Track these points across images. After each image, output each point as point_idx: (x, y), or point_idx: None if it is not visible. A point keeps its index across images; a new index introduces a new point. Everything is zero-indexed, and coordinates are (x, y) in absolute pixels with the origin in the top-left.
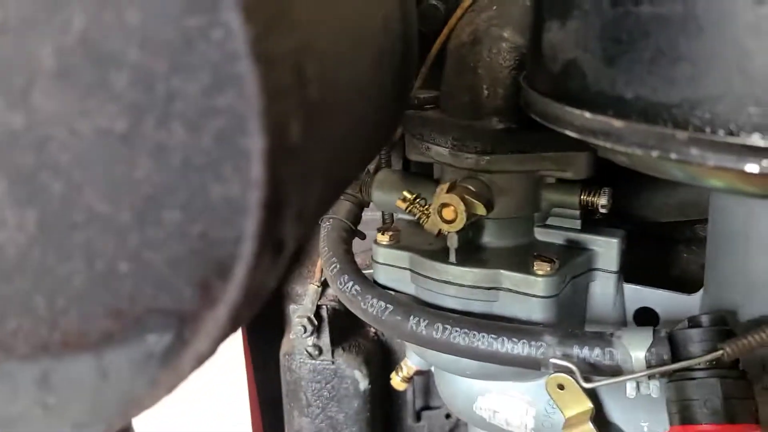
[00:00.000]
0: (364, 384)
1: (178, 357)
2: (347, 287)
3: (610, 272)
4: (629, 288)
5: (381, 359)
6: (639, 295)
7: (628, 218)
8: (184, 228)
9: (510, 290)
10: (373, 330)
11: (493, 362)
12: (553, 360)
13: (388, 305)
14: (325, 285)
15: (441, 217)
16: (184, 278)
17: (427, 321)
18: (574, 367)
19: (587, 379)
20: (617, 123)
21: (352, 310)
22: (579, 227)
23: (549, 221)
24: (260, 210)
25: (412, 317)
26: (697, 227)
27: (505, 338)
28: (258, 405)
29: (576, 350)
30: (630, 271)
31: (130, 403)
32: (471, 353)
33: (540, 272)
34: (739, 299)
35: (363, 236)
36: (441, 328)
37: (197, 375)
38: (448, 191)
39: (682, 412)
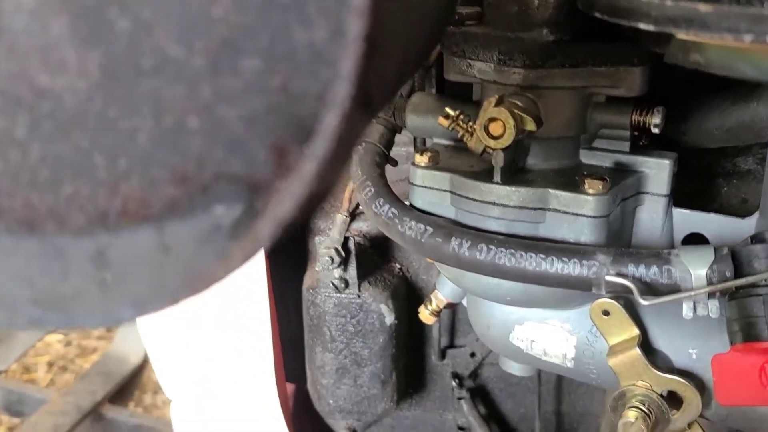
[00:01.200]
0: (390, 319)
1: (249, 229)
2: (383, 210)
3: (660, 195)
4: (678, 212)
5: (407, 295)
6: (688, 220)
7: (675, 146)
8: (262, 79)
9: (558, 210)
10: (399, 266)
11: (542, 284)
12: (608, 277)
13: (427, 227)
14: (352, 216)
15: (488, 132)
16: (259, 139)
17: (470, 242)
18: (631, 284)
19: (643, 293)
20: (704, 7)
21: (389, 235)
22: (627, 149)
23: (596, 143)
24: (360, 44)
25: (453, 238)
26: (739, 160)
27: (554, 258)
28: (279, 343)
29: (631, 269)
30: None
31: (196, 278)
32: (518, 275)
33: (591, 191)
34: None
35: (395, 162)
36: (485, 248)
37: (219, 311)
38: (497, 105)
39: (746, 330)
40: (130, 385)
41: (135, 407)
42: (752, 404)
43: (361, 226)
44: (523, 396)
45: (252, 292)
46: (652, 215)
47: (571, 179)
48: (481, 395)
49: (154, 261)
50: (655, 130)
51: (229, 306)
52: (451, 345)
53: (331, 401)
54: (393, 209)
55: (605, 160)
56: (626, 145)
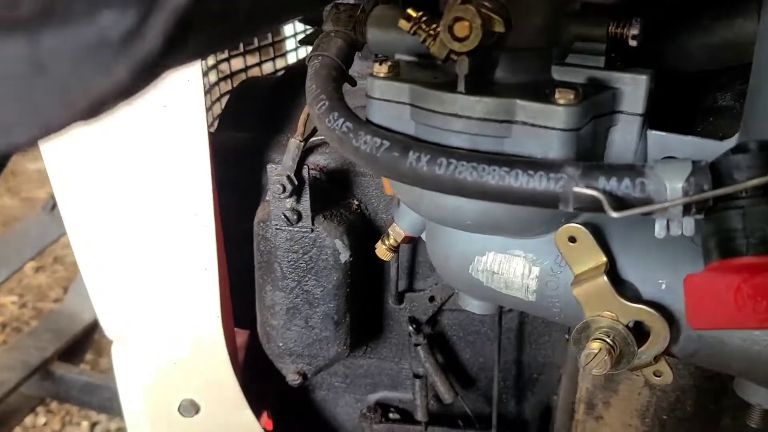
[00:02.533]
0: (345, 255)
1: (142, 42)
2: (337, 125)
3: (635, 115)
4: (654, 135)
5: (365, 233)
6: (664, 143)
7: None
8: None
9: (525, 123)
10: (357, 202)
11: (506, 201)
12: (576, 189)
13: (383, 141)
14: (308, 145)
15: (452, 34)
16: None
17: (429, 156)
18: (601, 196)
19: (615, 208)
20: None
21: (342, 151)
22: (602, 65)
23: (569, 59)
24: None
25: (411, 152)
26: (718, 96)
27: (519, 171)
28: (228, 285)
29: (602, 182)
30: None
31: (74, 103)
32: (480, 191)
33: (562, 101)
34: None
35: (354, 82)
36: (445, 163)
37: (162, 246)
38: (463, 2)
39: (723, 246)
40: (83, 344)
41: (91, 370)
42: (726, 327)
43: (318, 159)
44: (483, 345)
45: (197, 227)
46: (625, 137)
47: (541, 92)
48: (439, 343)
49: (24, 80)
50: (633, 43)
51: (173, 241)
52: (410, 288)
53: (281, 344)
54: (348, 123)
55: (579, 76)
56: (601, 61)
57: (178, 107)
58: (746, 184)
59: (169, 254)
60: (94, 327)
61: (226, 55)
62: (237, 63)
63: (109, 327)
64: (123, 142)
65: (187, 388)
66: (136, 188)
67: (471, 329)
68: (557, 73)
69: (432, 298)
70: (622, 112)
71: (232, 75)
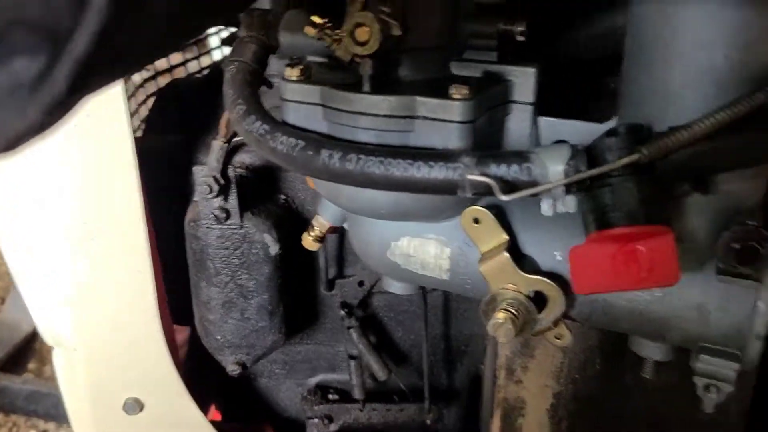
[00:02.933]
0: (274, 249)
1: (51, 85)
2: (255, 127)
3: (526, 104)
4: (544, 121)
5: (293, 226)
6: (555, 128)
7: (552, 62)
8: None
9: (426, 118)
10: (283, 197)
11: (411, 190)
12: (470, 177)
13: (299, 141)
14: (231, 145)
15: (354, 39)
16: None
17: (340, 153)
18: (491, 181)
19: (505, 192)
20: None
21: (261, 152)
22: (495, 59)
23: (465, 55)
24: None
25: (324, 150)
26: (608, 80)
27: (421, 163)
28: (163, 283)
29: (494, 168)
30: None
31: None
32: (387, 182)
33: (457, 96)
34: (655, 113)
35: (270, 84)
36: (355, 158)
37: (94, 251)
38: (362, 9)
39: (599, 219)
40: (26, 353)
41: (35, 378)
42: (606, 291)
43: (244, 158)
44: (412, 323)
45: (128, 231)
46: (519, 124)
47: (440, 88)
48: (371, 324)
49: None
50: (521, 38)
51: (105, 246)
52: (340, 275)
53: (219, 337)
54: (264, 125)
55: (475, 71)
56: (494, 55)
57: (101, 114)
58: (615, 164)
59: (102, 259)
60: (34, 336)
61: None
62: (161, 63)
63: (47, 333)
64: (49, 151)
65: (130, 386)
66: (64, 196)
67: (400, 309)
68: (456, 69)
69: (361, 283)
70: (514, 102)
71: (156, 75)
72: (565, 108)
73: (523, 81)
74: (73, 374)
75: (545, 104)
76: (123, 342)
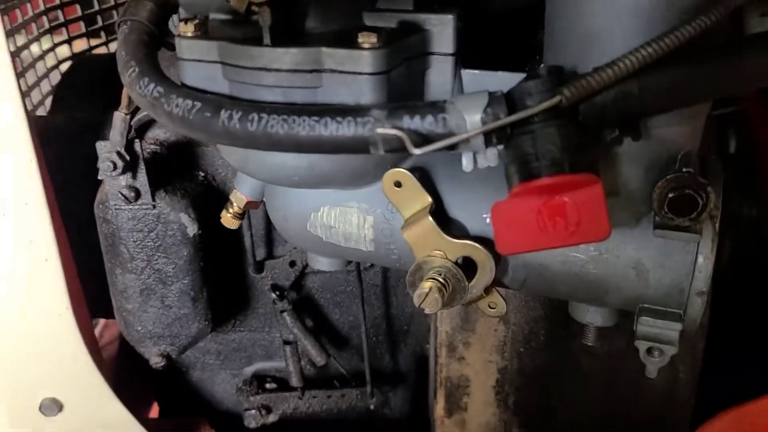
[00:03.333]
0: (192, 229)
1: None
2: (148, 90)
3: (447, 55)
4: (467, 74)
5: (214, 205)
6: (479, 81)
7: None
8: None
9: (334, 71)
10: (202, 174)
11: (319, 151)
12: (380, 131)
13: (195, 102)
14: (134, 114)
15: None
16: None
17: (240, 113)
18: (402, 134)
19: (419, 145)
20: None
21: (156, 117)
22: (411, 7)
23: (379, 4)
24: None
25: (223, 111)
26: (540, 32)
27: (328, 119)
28: (76, 274)
29: (407, 121)
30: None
31: None
32: (292, 143)
33: (366, 45)
34: (578, 55)
35: (171, 47)
36: (256, 118)
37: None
38: None
39: (521, 170)
40: None
41: None
42: (531, 249)
43: (157, 133)
44: (350, 303)
45: (30, 217)
46: (441, 78)
47: (349, 38)
48: (307, 307)
49: None
50: None
51: (6, 235)
52: (270, 256)
53: (140, 327)
54: (159, 88)
55: (390, 21)
56: (410, 2)
57: None
58: (534, 108)
59: (3, 249)
60: None
61: (65, 37)
62: (81, 44)
63: None
64: None
65: (47, 386)
66: None
67: (337, 290)
68: (368, 19)
69: (293, 263)
70: (433, 53)
71: (74, 57)
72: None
73: (441, 30)
74: None
75: (475, 58)
76: (33, 337)
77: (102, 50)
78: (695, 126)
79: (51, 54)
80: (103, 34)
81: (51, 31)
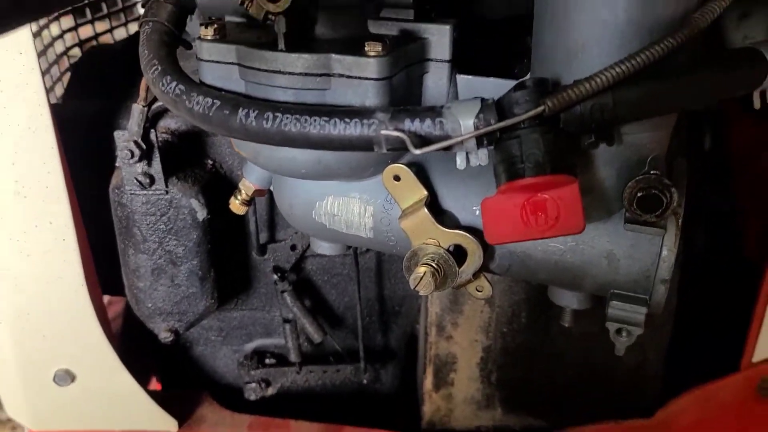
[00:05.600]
0: (202, 214)
1: None
2: (170, 88)
3: (443, 61)
4: (462, 79)
5: (222, 191)
6: (472, 86)
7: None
8: None
9: (342, 75)
10: (211, 162)
11: (327, 148)
12: (384, 132)
13: (215, 100)
14: (150, 105)
15: None
16: None
17: (256, 111)
18: (404, 136)
19: (419, 146)
20: None
21: (178, 113)
22: (412, 17)
23: (382, 13)
24: None
25: (241, 110)
26: (528, 39)
27: (337, 120)
28: (90, 253)
29: (407, 123)
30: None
31: None
32: (304, 140)
33: (372, 53)
34: (561, 68)
35: (189, 45)
36: (271, 117)
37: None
38: None
39: (508, 170)
40: None
41: None
42: (515, 240)
43: (169, 123)
44: (346, 285)
45: (50, 200)
46: (437, 82)
47: (356, 45)
48: (306, 288)
49: None
50: None
51: (28, 216)
52: (272, 240)
53: (150, 304)
54: (180, 86)
55: (392, 29)
56: (410, 13)
57: (14, 84)
58: (521, 116)
59: (24, 229)
60: None
61: (73, 23)
62: (87, 31)
63: None
64: None
65: (61, 358)
66: None
67: (334, 272)
68: (373, 27)
69: (293, 247)
70: (431, 60)
71: (81, 43)
72: (490, 67)
73: (439, 38)
74: (1, 349)
75: (470, 64)
76: (50, 312)
77: (107, 37)
78: (663, 133)
79: (59, 41)
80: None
81: (58, 18)
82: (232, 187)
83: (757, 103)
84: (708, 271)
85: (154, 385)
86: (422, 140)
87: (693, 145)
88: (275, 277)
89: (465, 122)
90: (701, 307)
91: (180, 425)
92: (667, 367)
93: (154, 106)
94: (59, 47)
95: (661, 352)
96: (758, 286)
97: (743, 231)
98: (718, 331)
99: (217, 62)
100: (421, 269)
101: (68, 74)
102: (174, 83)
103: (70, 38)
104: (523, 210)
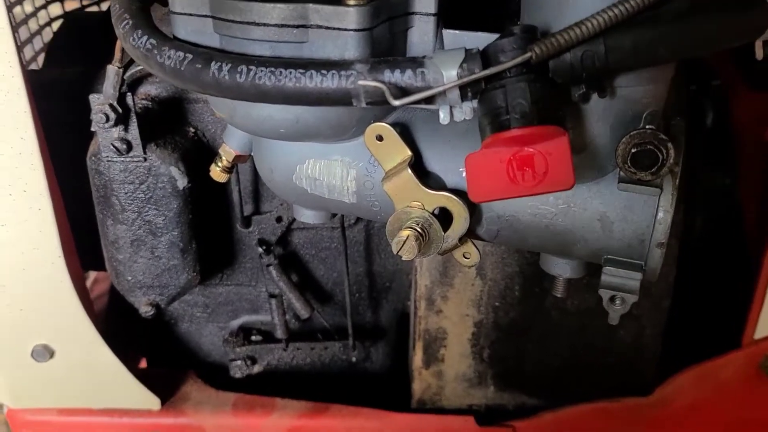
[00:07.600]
0: (182, 182)
1: None
2: (141, 42)
3: (428, 15)
4: (448, 34)
5: (203, 160)
6: (459, 41)
7: None
8: None
9: (320, 26)
10: (193, 129)
11: (304, 102)
12: (362, 82)
13: (187, 54)
14: (126, 67)
15: None
16: None
17: (230, 65)
18: (383, 86)
19: (398, 98)
20: None
21: (149, 68)
22: None
23: None
24: None
25: (213, 63)
26: None
27: (313, 72)
28: (68, 227)
29: (387, 74)
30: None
31: None
32: (279, 94)
33: (352, 2)
34: (552, 15)
35: (164, 2)
36: (245, 70)
37: None
38: None
39: (493, 123)
40: None
41: None
42: (501, 197)
43: (149, 89)
44: (335, 260)
45: (23, 168)
46: (422, 37)
47: None
48: (292, 262)
49: None
50: None
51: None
52: (257, 211)
53: (130, 277)
54: (151, 40)
55: None
56: None
57: None
58: (507, 64)
59: None
60: None
61: None
62: (73, 4)
63: None
64: None
65: (38, 333)
66: None
67: (322, 246)
68: None
69: (279, 219)
70: (416, 13)
71: (66, 15)
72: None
73: None
74: None
75: (458, 19)
76: (26, 284)
77: (94, 9)
78: (660, 87)
79: (43, 12)
80: None
81: None
82: (214, 156)
83: (759, 53)
84: (708, 246)
85: (141, 364)
86: (403, 92)
87: (695, 122)
88: (260, 250)
89: (448, 72)
90: (701, 282)
91: (163, 403)
92: (665, 344)
93: (133, 71)
94: (43, 20)
95: (660, 328)
96: (759, 260)
97: (743, 205)
98: (718, 307)
99: (190, 15)
100: (405, 233)
101: (38, 37)
102: (145, 37)
103: (57, 10)
104: (509, 165)
